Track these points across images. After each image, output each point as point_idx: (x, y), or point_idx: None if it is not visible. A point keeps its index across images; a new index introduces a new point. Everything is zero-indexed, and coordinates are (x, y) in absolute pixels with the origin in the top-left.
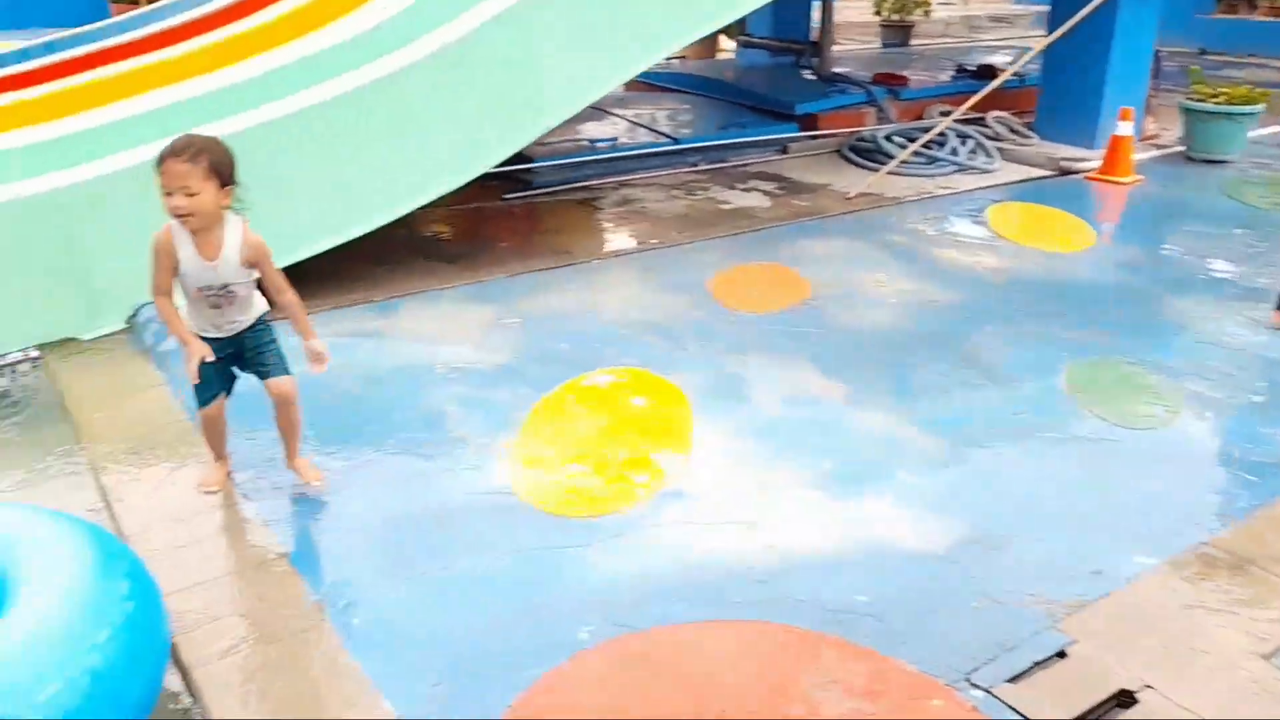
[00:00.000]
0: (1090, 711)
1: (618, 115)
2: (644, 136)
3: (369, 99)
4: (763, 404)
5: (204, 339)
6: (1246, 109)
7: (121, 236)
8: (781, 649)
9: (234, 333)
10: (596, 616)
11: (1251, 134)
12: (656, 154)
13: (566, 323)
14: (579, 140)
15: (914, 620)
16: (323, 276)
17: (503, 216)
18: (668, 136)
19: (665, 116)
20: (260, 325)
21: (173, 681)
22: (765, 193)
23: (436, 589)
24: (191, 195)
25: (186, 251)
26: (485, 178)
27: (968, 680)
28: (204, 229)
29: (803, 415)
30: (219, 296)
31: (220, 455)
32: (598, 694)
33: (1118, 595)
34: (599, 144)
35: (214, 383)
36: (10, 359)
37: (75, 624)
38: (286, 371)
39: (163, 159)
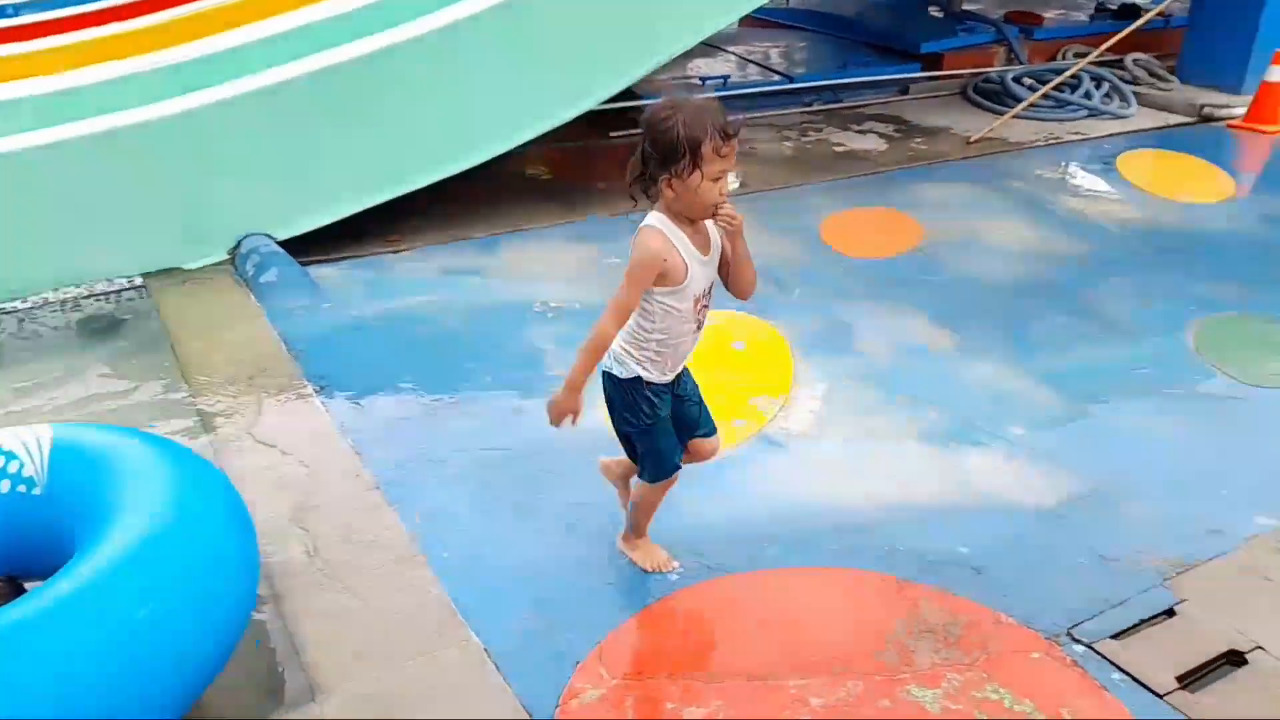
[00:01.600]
0: (1197, 670)
1: (731, 52)
2: (757, 75)
3: (486, 25)
4: (868, 351)
5: (658, 388)
6: None
7: (229, 167)
8: (876, 596)
9: (678, 373)
10: (689, 558)
11: None
12: (770, 93)
13: None
14: (689, 79)
15: (1017, 574)
16: (425, 214)
17: (608, 154)
18: (782, 75)
19: (780, 54)
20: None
21: (263, 609)
22: (881, 135)
23: (529, 525)
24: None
25: (686, 249)
26: (592, 115)
27: (1069, 635)
28: None
29: (909, 364)
30: (705, 307)
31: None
32: (686, 636)
33: (1233, 556)
34: (709, 81)
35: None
36: (117, 285)
37: (170, 547)
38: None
39: (731, 135)
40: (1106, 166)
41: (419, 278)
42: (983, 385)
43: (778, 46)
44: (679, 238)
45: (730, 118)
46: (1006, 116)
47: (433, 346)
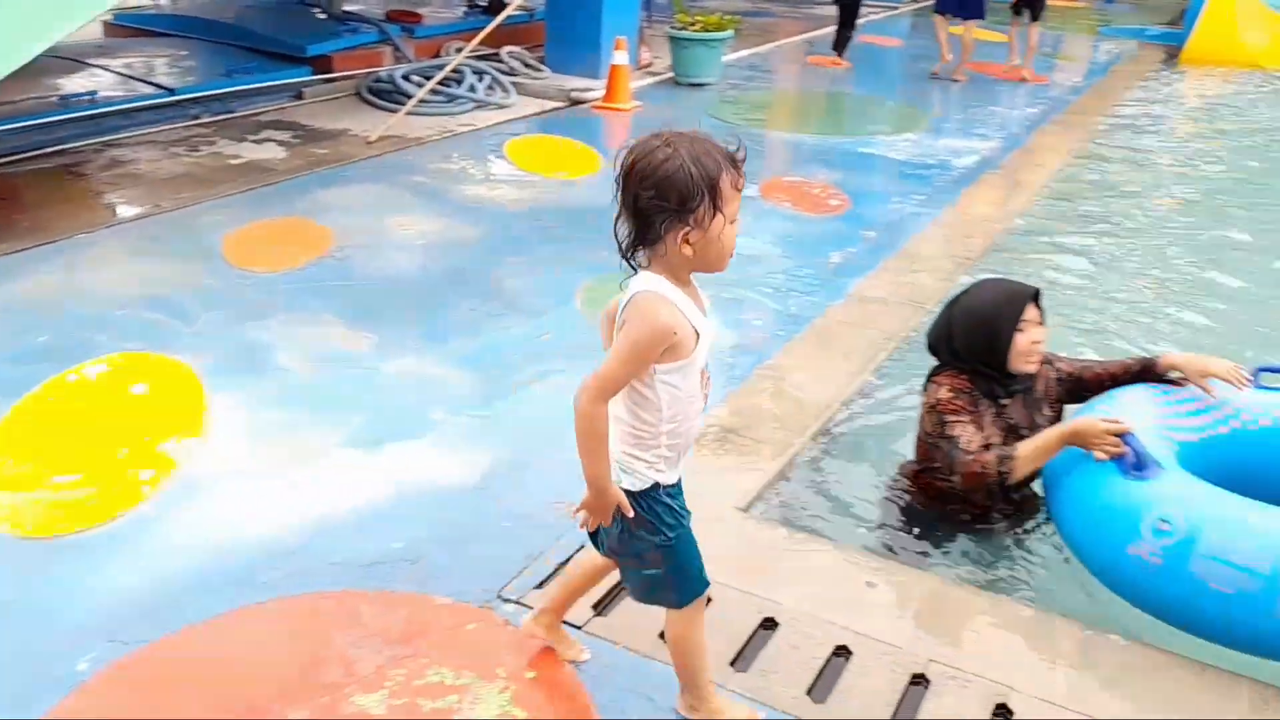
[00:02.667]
0: (607, 593)
1: (97, 65)
2: (133, 89)
3: None
4: (287, 368)
5: (675, 488)
6: (719, 35)
7: None
8: (313, 618)
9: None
10: (99, 641)
11: (726, 58)
12: (149, 108)
13: (46, 312)
14: (47, 97)
15: (449, 554)
16: None
17: None
18: (161, 88)
19: (159, 64)
20: None
21: None
22: (280, 143)
23: None
24: None
25: (693, 314)
26: None
27: (500, 597)
28: None
29: (331, 374)
30: (709, 379)
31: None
32: None
33: None
34: (74, 100)
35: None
36: None
37: None
38: None
39: (741, 161)
40: (496, 153)
41: None
42: (404, 380)
43: (153, 57)
44: (684, 302)
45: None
46: (401, 114)
47: None
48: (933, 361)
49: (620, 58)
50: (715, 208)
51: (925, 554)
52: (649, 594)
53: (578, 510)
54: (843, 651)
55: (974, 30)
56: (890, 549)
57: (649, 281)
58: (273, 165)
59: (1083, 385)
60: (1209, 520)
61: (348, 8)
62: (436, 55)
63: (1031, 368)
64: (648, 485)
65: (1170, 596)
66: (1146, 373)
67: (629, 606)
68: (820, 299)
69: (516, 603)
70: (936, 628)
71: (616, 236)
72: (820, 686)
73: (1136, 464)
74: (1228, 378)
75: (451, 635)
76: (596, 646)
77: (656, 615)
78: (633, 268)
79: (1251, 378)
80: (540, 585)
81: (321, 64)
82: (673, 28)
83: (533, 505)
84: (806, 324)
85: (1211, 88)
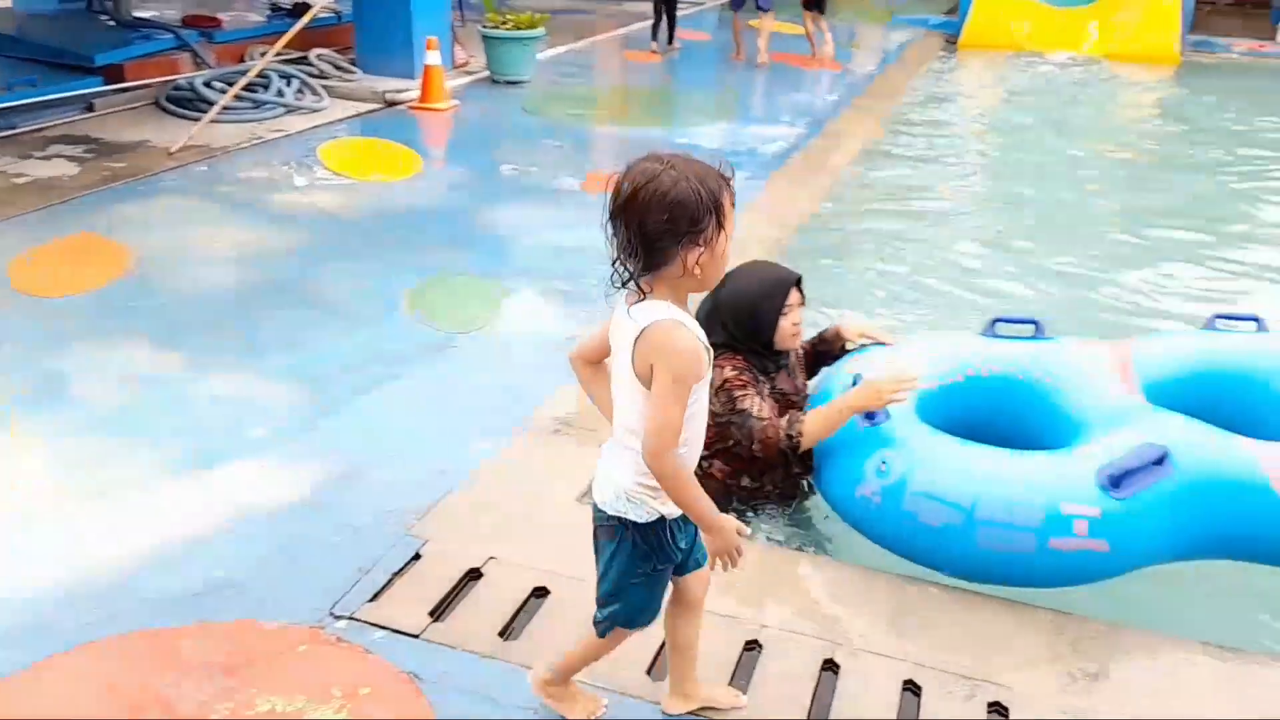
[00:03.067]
0: (445, 598)
1: None
2: None
3: None
4: (91, 397)
5: (679, 522)
6: (530, 33)
7: None
8: (125, 662)
9: None
10: None
11: (544, 55)
12: None
13: None
14: None
15: (278, 575)
16: None
17: None
18: None
19: None
20: None
21: None
22: (71, 158)
23: None
24: None
25: (701, 334)
26: None
27: (332, 615)
28: None
29: (141, 398)
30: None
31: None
32: None
33: (463, 487)
34: None
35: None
36: None
37: None
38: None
39: (730, 176)
40: (310, 159)
41: None
42: (221, 399)
43: None
44: (692, 321)
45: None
46: (204, 122)
47: None
48: None
49: (433, 57)
50: (720, 226)
51: (758, 531)
52: (608, 615)
53: (714, 563)
54: None
55: (770, 23)
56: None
57: (660, 310)
58: (62, 183)
59: (814, 357)
60: (920, 461)
61: (140, 14)
62: (240, 60)
63: (795, 344)
64: (654, 519)
65: (891, 531)
66: (822, 342)
67: (466, 610)
68: None
69: (349, 618)
70: (767, 595)
71: (619, 263)
72: (660, 665)
73: (868, 414)
74: (874, 336)
75: (281, 661)
76: (436, 653)
77: (494, 615)
78: (640, 290)
79: (989, 328)
80: (374, 598)
81: (113, 73)
82: (484, 26)
83: (365, 516)
84: None
85: (986, 69)
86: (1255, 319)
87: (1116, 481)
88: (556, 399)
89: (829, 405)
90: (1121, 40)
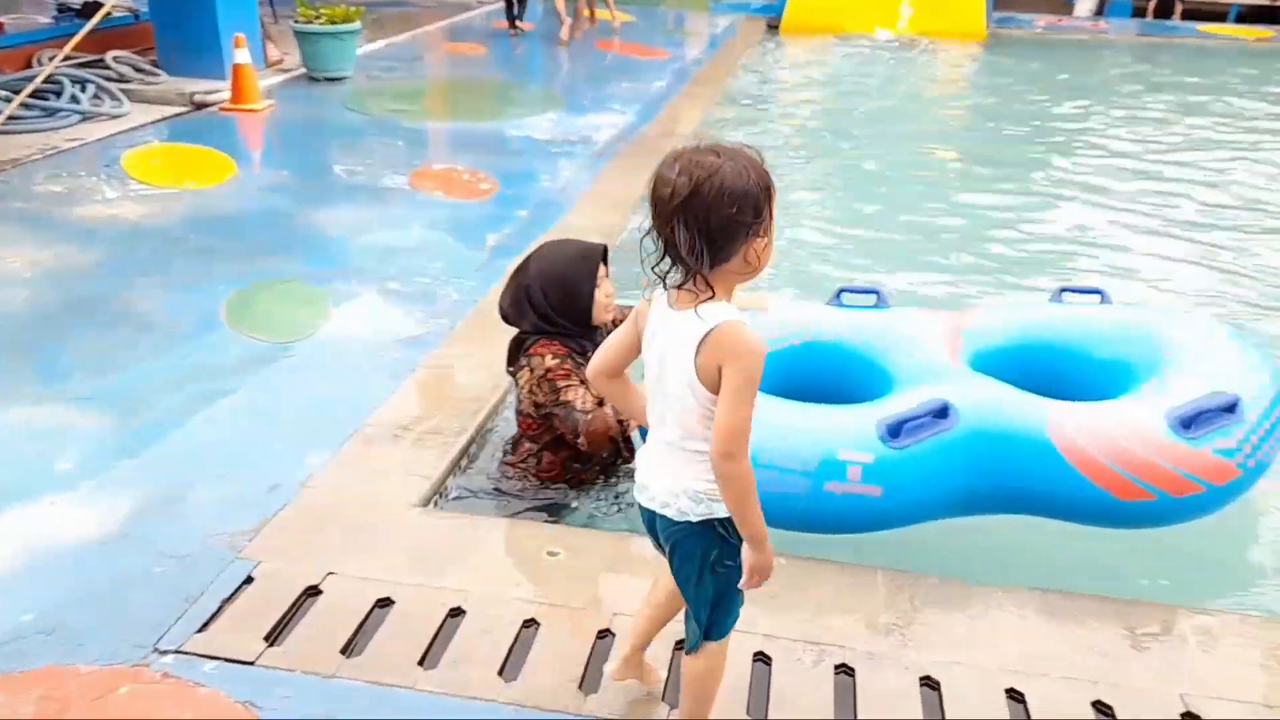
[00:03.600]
0: (280, 621)
1: None
2: None
3: None
4: None
5: None
6: (347, 27)
7: None
8: None
9: None
10: None
11: (364, 50)
12: None
13: None
14: None
15: (95, 614)
16: None
17: None
18: None
19: None
20: None
21: None
22: None
23: None
24: None
25: None
26: None
27: (156, 650)
28: None
29: None
30: None
31: None
32: None
33: (296, 502)
34: None
35: None
36: None
37: None
38: None
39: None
40: (112, 168)
41: None
42: (18, 431)
43: None
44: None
45: None
46: None
47: None
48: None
49: (242, 56)
50: (770, 213)
51: (594, 516)
52: (708, 624)
53: (749, 579)
54: (531, 624)
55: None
56: (566, 512)
57: (727, 309)
58: None
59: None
60: None
61: None
62: (27, 66)
63: (610, 317)
64: (727, 514)
65: None
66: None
67: (305, 631)
68: (481, 283)
69: (176, 652)
70: (617, 583)
71: (675, 261)
72: (510, 665)
73: None
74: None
75: (101, 705)
76: (274, 678)
77: (335, 633)
78: (705, 288)
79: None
80: (204, 627)
81: None
82: (296, 22)
83: (190, 543)
84: (470, 309)
85: (809, 50)
86: (1099, 291)
87: (895, 431)
88: (393, 403)
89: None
90: (933, 18)
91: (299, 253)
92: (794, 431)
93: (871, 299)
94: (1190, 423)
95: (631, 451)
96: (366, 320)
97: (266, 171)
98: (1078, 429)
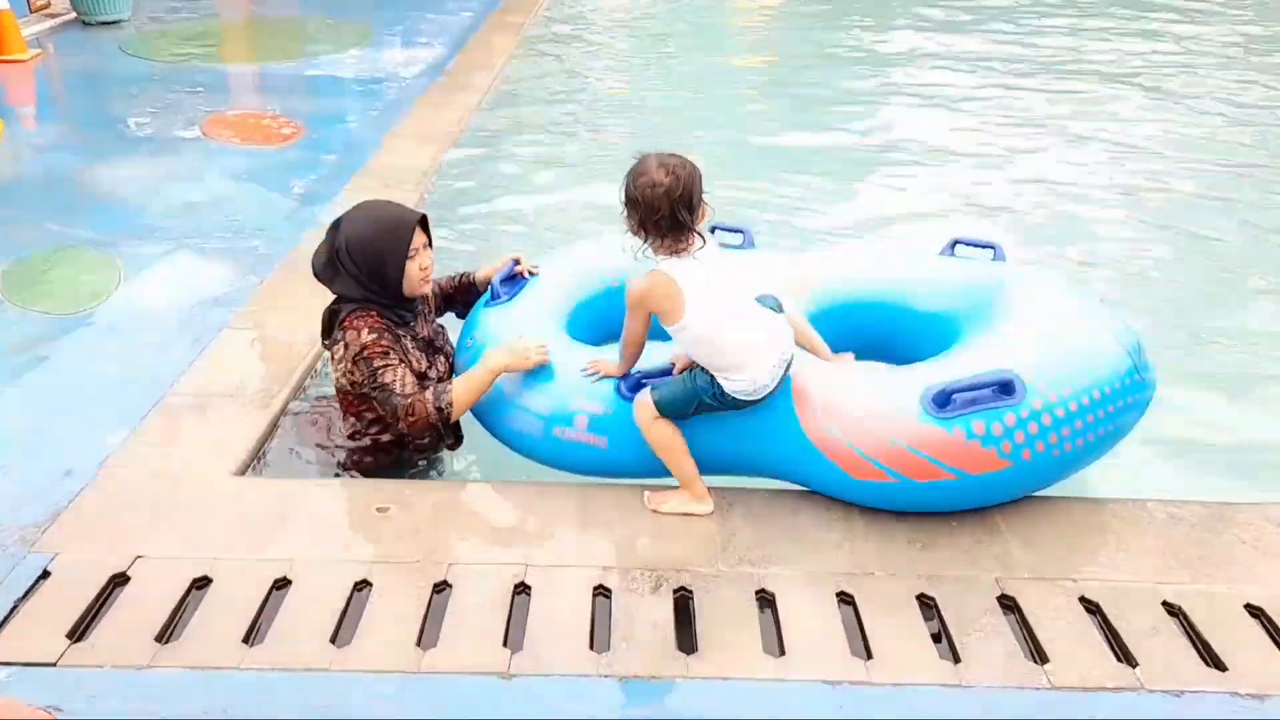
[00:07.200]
0: (86, 613)
1: None
2: None
3: None
4: None
5: None
6: None
7: None
8: None
9: None
10: None
11: None
12: None
13: None
14: None
15: None
16: None
17: None
18: None
19: None
20: None
21: None
22: None
23: None
24: None
25: None
26: None
27: None
28: None
29: None
30: None
31: None
32: None
33: (96, 485)
34: None
35: None
36: None
37: None
38: None
39: None
40: None
41: None
42: None
43: None
44: None
45: None
46: None
47: None
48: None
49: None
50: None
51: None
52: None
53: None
54: (363, 585)
55: None
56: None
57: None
58: None
59: (448, 297)
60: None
61: None
62: None
63: (426, 289)
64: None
65: (500, 431)
66: (460, 285)
67: (113, 622)
68: (290, 232)
69: None
70: (451, 533)
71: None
72: (343, 630)
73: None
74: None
75: None
76: (80, 677)
77: (147, 620)
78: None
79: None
80: None
81: None
82: None
83: None
84: (279, 262)
85: None
86: (993, 246)
87: (635, 386)
88: (199, 368)
89: (474, 371)
90: None
91: (83, 216)
92: (548, 379)
93: (738, 238)
94: (946, 401)
95: (457, 439)
96: (164, 283)
97: (40, 128)
98: (821, 400)
